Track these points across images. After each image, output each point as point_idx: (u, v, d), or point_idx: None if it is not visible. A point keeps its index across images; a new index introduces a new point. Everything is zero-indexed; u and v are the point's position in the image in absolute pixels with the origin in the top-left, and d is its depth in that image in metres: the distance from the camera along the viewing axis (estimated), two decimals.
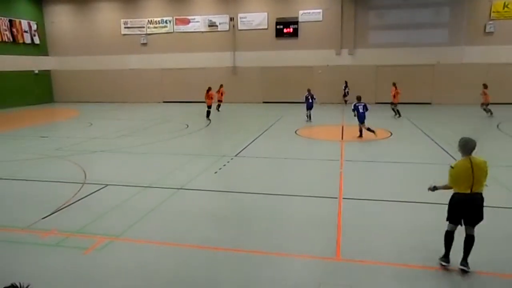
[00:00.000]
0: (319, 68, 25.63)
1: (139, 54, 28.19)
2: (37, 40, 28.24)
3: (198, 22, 27.05)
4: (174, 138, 14.32)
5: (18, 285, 1.62)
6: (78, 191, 8.13)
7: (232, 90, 26.26)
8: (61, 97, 29.83)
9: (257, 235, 6.00)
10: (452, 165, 4.77)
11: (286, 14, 25.70)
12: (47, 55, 29.41)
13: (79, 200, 7.62)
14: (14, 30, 26.21)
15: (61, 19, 29.00)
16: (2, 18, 25.33)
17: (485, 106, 18.47)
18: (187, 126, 17.03)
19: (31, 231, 6.20)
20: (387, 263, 5.03)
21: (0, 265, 5.18)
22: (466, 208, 4.68)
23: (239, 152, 11.68)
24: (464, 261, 4.74)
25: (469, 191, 4.63)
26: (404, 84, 24.74)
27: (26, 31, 27.22)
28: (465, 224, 4.76)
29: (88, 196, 7.82)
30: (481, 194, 4.68)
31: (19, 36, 26.71)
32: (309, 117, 17.92)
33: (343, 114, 19.76)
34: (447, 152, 11.09)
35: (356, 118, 13.54)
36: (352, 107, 13.59)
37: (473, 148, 4.69)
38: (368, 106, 13.56)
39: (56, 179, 9.09)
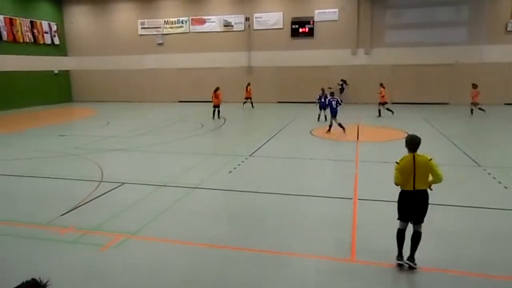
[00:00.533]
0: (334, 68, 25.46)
1: (155, 54, 28.51)
2: (57, 41, 28.84)
3: (213, 22, 27.20)
4: (189, 138, 14.44)
5: (38, 280, 1.64)
6: (96, 189, 8.28)
7: None
8: (79, 96, 30.39)
9: (271, 235, 6.01)
10: (398, 161, 4.78)
11: (302, 14, 25.61)
12: (66, 55, 30.01)
13: (96, 198, 7.76)
14: (35, 31, 26.83)
15: (80, 20, 29.56)
16: (24, 19, 25.95)
17: (474, 106, 18.42)
18: (202, 125, 17.14)
19: (50, 227, 6.35)
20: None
21: (21, 259, 5.33)
22: (412, 205, 4.75)
23: (254, 152, 11.71)
24: (411, 257, 4.82)
25: (412, 188, 4.69)
26: (421, 84, 24.42)
27: (46, 32, 27.85)
28: (411, 221, 4.84)
29: (105, 194, 7.96)
30: (425, 191, 4.72)
31: (40, 37, 27.33)
32: (319, 117, 17.82)
33: (360, 114, 19.59)
34: (465, 153, 10.88)
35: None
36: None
37: (418, 145, 4.75)
38: (340, 101, 14.49)
39: (74, 177, 9.27)
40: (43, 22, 27.52)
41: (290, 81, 26.36)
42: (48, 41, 28.09)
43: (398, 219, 4.89)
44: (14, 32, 25.21)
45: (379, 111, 19.10)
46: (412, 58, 24.18)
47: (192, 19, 27.56)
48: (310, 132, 15.06)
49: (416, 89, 23.96)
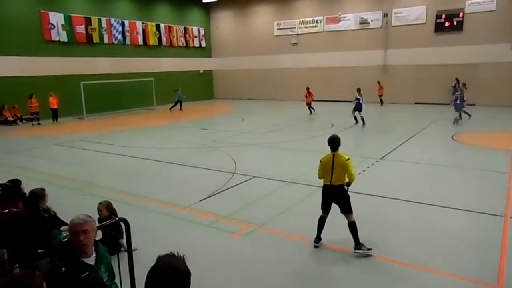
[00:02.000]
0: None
1: (289, 53, 29.33)
2: (203, 44, 32.21)
3: (349, 20, 26.60)
4: (318, 136, 14.45)
5: (176, 254, 1.79)
6: (229, 180, 8.97)
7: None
8: (220, 94, 33.29)
9: (400, 245, 5.62)
10: (321, 159, 5.49)
11: (449, 6, 23.07)
12: (210, 56, 33.20)
13: (230, 188, 8.42)
14: (187, 36, 30.51)
15: (223, 24, 32.34)
16: (179, 26, 29.69)
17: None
18: (332, 125, 16.98)
19: (191, 210, 7.14)
20: None
21: (167, 234, 6.13)
22: (329, 197, 5.47)
23: (386, 155, 11.10)
24: (357, 246, 5.26)
25: (329, 183, 5.37)
26: None
27: (196, 36, 31.40)
28: (341, 213, 5.43)
29: (238, 185, 8.56)
30: (341, 186, 5.33)
31: (191, 41, 30.94)
32: (356, 119, 16.64)
33: None
34: None
35: None
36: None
37: (337, 145, 5.38)
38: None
39: (212, 167, 10.21)
40: (193, 27, 31.02)
41: (431, 81, 24.06)
42: (197, 44, 31.57)
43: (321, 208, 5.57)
44: (171, 38, 29.07)
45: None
46: None
47: (327, 18, 27.46)
48: (452, 137, 13.53)
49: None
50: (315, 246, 5.51)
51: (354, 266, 5.06)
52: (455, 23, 23.04)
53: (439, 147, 12.31)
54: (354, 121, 16.91)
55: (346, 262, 5.17)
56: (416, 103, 24.45)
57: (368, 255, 5.15)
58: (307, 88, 21.71)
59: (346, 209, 5.34)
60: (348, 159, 5.27)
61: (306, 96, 21.49)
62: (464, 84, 18.68)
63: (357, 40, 26.32)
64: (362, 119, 16.67)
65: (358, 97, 16.62)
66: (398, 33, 24.90)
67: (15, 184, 5.06)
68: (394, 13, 24.93)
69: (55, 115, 19.98)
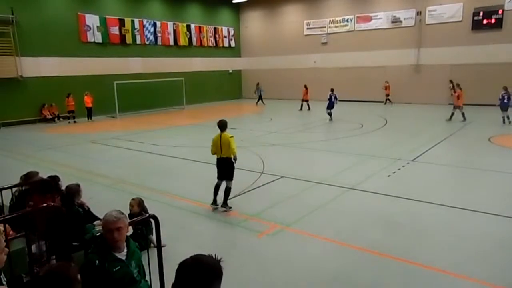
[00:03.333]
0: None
1: (319, 53, 29.05)
2: (233, 44, 32.42)
3: (380, 19, 26.04)
4: (347, 137, 14.26)
5: (214, 256, 1.85)
6: (257, 179, 9.00)
7: (413, 90, 24.46)
8: (248, 93, 33.35)
9: (432, 249, 5.46)
10: (212, 138, 7.03)
11: (488, 3, 22.13)
12: (240, 56, 33.37)
13: (257, 187, 8.45)
14: (217, 36, 30.81)
15: (252, 24, 32.42)
16: (209, 26, 30.04)
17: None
18: (361, 125, 16.69)
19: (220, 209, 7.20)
20: None
21: (195, 233, 6.22)
22: (220, 167, 7.06)
23: (417, 157, 10.79)
24: (225, 204, 7.00)
25: (219, 156, 6.97)
26: None
27: (225, 37, 31.64)
28: (224, 179, 7.06)
29: (265, 185, 8.58)
30: (228, 158, 6.91)
31: (220, 41, 31.21)
32: (504, 120, 15.60)
33: None
34: None
35: None
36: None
37: (224, 126, 6.99)
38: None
39: (240, 167, 10.15)
40: (223, 27, 31.29)
41: (467, 80, 23.09)
42: (226, 45, 31.81)
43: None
44: (201, 38, 29.45)
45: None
46: None
47: (357, 17, 27.01)
48: (489, 139, 12.99)
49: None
50: (213, 210, 7.03)
51: (384, 271, 4.96)
52: (493, 20, 22.08)
53: (475, 149, 11.85)
54: (329, 118, 18.28)
55: (374, 265, 5.07)
56: (450, 104, 23.59)
57: (225, 211, 6.93)
58: (305, 86, 23.04)
59: (229, 177, 7.02)
60: (232, 137, 6.89)
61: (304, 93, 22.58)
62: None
63: (389, 39, 25.72)
64: (329, 114, 18.36)
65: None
66: (432, 31, 24.13)
67: (53, 180, 5.28)
68: (428, 11, 24.19)
69: (89, 113, 20.68)
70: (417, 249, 5.48)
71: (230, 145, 6.78)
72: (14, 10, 18.89)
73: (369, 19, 26.49)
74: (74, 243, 4.39)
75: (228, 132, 6.98)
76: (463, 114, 16.83)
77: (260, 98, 26.80)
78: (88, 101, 20.52)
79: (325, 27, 28.55)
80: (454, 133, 14.39)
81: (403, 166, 9.91)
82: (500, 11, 21.85)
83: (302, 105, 22.99)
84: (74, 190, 5.18)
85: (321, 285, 4.68)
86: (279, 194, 7.95)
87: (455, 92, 17.33)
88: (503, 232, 6.00)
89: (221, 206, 6.98)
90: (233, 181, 7.16)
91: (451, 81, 18.74)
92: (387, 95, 24.54)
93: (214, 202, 7.08)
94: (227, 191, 6.99)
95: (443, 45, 23.75)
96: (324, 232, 6.08)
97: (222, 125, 6.98)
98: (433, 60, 24.24)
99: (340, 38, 27.89)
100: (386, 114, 18.43)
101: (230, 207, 6.96)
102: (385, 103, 24.52)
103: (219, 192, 7.12)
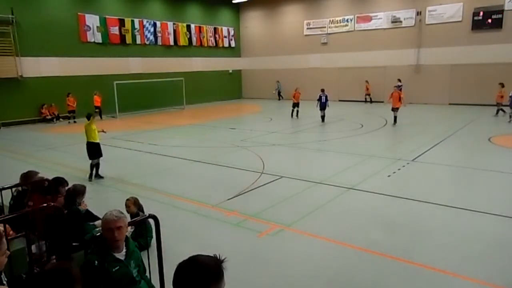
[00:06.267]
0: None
1: (319, 53, 29.04)
2: (233, 44, 32.39)
3: (380, 19, 26.04)
4: (347, 137, 14.25)
5: (217, 257, 1.86)
6: (257, 179, 8.99)
7: (414, 90, 24.41)
8: (248, 93, 33.40)
9: (432, 249, 5.45)
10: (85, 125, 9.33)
11: (488, 3, 22.13)
12: (240, 56, 33.36)
13: (257, 187, 8.44)
14: (217, 36, 30.79)
15: (252, 24, 32.41)
16: (209, 26, 30.03)
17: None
18: (362, 126, 16.69)
19: (218, 209, 7.21)
20: None
21: (195, 232, 6.23)
22: (88, 150, 9.20)
23: (417, 157, 10.79)
24: (97, 174, 9.29)
25: (87, 140, 9.31)
26: None
27: (225, 37, 31.61)
28: (89, 159, 9.23)
29: (265, 185, 8.57)
30: (91, 142, 9.18)
31: (220, 41, 31.18)
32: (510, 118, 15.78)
33: None
34: None
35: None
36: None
37: (88, 118, 9.35)
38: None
39: (240, 167, 10.26)
40: (223, 27, 31.27)
41: (467, 81, 23.17)
42: (226, 45, 31.78)
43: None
44: (201, 38, 29.43)
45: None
46: None
47: (357, 17, 27.01)
48: (489, 139, 12.99)
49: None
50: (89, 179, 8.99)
51: (384, 271, 4.95)
52: (494, 20, 22.08)
53: (475, 149, 11.85)
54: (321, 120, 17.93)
55: (374, 265, 5.07)
56: (450, 104, 23.65)
57: (101, 178, 9.20)
58: (296, 89, 20.63)
59: (93, 157, 9.13)
60: (90, 124, 9.22)
61: (294, 96, 20.12)
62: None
63: (389, 39, 25.72)
64: (322, 117, 17.97)
65: (322, 95, 17.82)
66: (432, 31, 24.13)
67: (56, 182, 5.25)
68: (428, 11, 24.18)
69: (100, 113, 20.18)
70: (417, 249, 5.48)
71: (88, 131, 9.24)
72: (14, 10, 18.90)
73: (369, 19, 26.49)
74: (74, 243, 4.39)
75: (93, 122, 9.39)
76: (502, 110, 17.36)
77: (279, 94, 29.02)
78: (97, 100, 20.50)
79: (325, 27, 28.54)
80: (454, 133, 14.39)
81: (403, 166, 9.91)
82: (500, 11, 21.84)
83: (292, 111, 20.02)
84: (78, 191, 5.18)
85: (321, 285, 4.68)
86: (279, 194, 7.95)
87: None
88: (503, 232, 5.99)
89: (95, 176, 9.23)
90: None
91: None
92: (368, 95, 25.95)
93: (90, 177, 9.18)
94: (96, 167, 9.30)
95: (443, 45, 23.76)
96: (324, 232, 6.08)
97: (88, 117, 9.48)
98: (433, 60, 24.24)
99: (340, 38, 27.88)
100: (386, 114, 18.40)
101: (102, 177, 9.27)
102: (365, 102, 25.95)
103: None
